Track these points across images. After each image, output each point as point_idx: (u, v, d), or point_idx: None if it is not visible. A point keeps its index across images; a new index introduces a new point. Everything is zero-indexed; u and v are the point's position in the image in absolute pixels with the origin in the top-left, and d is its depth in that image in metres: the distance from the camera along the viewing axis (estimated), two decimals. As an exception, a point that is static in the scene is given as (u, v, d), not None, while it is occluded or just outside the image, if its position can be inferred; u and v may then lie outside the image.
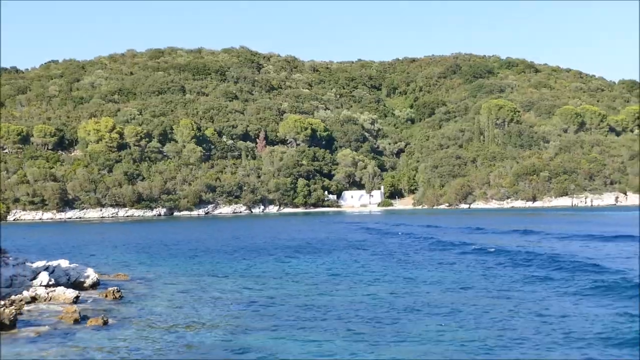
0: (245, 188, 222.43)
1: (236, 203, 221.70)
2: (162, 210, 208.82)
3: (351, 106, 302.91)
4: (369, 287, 43.56)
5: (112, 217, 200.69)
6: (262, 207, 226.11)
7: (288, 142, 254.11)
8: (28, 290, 39.70)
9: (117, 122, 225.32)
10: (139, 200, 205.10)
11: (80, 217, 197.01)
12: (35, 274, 42.78)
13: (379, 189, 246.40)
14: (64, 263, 46.84)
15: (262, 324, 32.59)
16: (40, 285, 41.00)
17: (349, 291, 42.17)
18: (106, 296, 40.56)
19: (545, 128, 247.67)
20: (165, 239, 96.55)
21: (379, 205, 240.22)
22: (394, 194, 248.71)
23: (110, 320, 33.57)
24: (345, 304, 37.53)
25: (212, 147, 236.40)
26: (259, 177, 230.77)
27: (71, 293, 39.05)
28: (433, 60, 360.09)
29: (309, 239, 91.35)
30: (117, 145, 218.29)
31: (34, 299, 38.41)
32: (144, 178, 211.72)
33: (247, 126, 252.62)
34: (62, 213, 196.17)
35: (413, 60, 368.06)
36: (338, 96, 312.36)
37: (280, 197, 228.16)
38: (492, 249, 62.94)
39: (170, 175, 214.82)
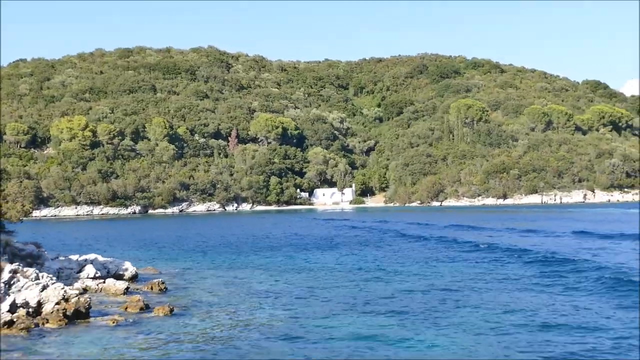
0: (218, 186, 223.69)
1: (210, 201, 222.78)
2: (137, 208, 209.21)
3: (319, 105, 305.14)
4: (395, 278, 45.65)
5: (87, 215, 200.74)
6: (235, 205, 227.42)
7: (259, 140, 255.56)
8: (76, 282, 41.19)
9: (89, 121, 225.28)
10: (114, 198, 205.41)
11: (55, 215, 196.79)
12: (81, 266, 44.29)
13: (351, 186, 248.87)
14: (100, 257, 48.35)
15: (310, 309, 34.66)
16: (88, 278, 42.49)
17: (378, 281, 44.23)
18: (152, 288, 42.17)
19: (514, 127, 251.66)
20: (157, 236, 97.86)
21: (350, 202, 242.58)
22: (365, 191, 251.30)
23: (182, 309, 35.42)
24: (380, 292, 39.62)
25: (185, 145, 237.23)
26: (232, 175, 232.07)
27: (121, 284, 40.64)
28: (399, 60, 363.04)
29: (306, 235, 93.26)
30: (90, 143, 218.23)
31: (85, 291, 39.91)
32: (118, 176, 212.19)
33: (219, 125, 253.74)
34: (37, 211, 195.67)
35: (380, 60, 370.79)
36: (306, 95, 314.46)
37: (253, 195, 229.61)
38: (503, 247, 64.91)
39: (144, 173, 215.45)
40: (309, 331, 29.79)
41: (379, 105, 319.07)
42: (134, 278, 46.18)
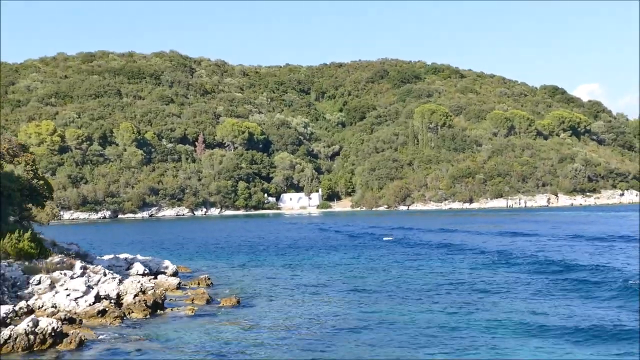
0: (187, 191, 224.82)
1: (179, 206, 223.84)
2: (107, 213, 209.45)
3: (282, 110, 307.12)
4: (416, 274, 48.33)
5: (57, 220, 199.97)
6: (204, 209, 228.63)
7: (226, 145, 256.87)
8: (127, 278, 43.10)
9: (57, 126, 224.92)
10: (84, 203, 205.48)
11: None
12: (129, 264, 46.25)
13: (317, 191, 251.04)
14: (139, 256, 50.26)
15: (358, 300, 37.06)
16: (137, 274, 44.44)
17: (402, 277, 46.87)
18: (199, 283, 44.29)
19: (477, 132, 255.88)
20: (148, 239, 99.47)
21: (318, 207, 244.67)
22: (332, 196, 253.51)
23: (247, 300, 37.64)
24: (411, 285, 42.25)
25: (153, 150, 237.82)
26: (200, 180, 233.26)
27: (174, 280, 42.76)
28: (360, 65, 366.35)
29: (300, 238, 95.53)
30: (58, 148, 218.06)
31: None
32: (87, 181, 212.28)
33: (185, 129, 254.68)
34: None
35: (340, 65, 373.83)
36: (269, 100, 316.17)
37: (221, 199, 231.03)
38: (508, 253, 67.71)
39: (113, 178, 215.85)
40: (369, 319, 32.17)
41: (340, 110, 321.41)
42: (174, 275, 48.13)
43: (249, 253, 70.71)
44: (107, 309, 32.51)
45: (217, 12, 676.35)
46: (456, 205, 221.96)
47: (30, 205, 47.55)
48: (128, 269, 46.11)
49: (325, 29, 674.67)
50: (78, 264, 38.84)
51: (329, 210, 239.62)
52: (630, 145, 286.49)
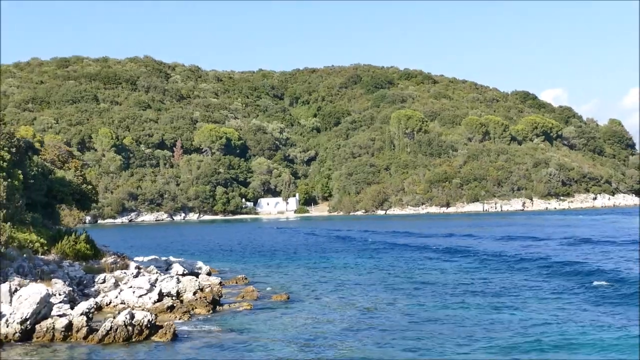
0: (166, 196, 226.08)
1: (158, 211, 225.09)
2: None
3: (257, 115, 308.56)
4: (430, 275, 50.76)
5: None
6: (183, 214, 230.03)
7: (203, 150, 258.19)
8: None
9: (35, 131, 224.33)
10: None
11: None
12: (168, 265, 48.18)
13: (294, 196, 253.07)
14: (172, 257, 52.16)
15: (394, 295, 39.29)
16: (177, 274, 46.38)
17: (416, 276, 49.31)
18: (237, 282, 46.34)
19: (452, 137, 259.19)
20: (146, 243, 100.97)
21: (295, 212, 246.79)
22: (309, 201, 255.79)
23: (295, 296, 39.78)
24: (425, 281, 44.71)
25: (131, 155, 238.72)
26: (178, 185, 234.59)
27: (215, 279, 44.74)
28: (333, 71, 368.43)
29: (301, 243, 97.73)
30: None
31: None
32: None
33: (163, 135, 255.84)
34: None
35: (313, 70, 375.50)
36: (244, 105, 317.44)
37: (200, 204, 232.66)
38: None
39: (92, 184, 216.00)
40: (415, 312, 34.48)
41: (315, 116, 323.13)
42: (208, 275, 50.07)
43: (261, 256, 72.72)
44: (174, 305, 34.51)
45: (188, 17, 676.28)
46: (433, 209, 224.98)
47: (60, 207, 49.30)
48: (167, 269, 48.02)
49: (296, 35, 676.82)
50: (132, 264, 40.79)
51: (306, 215, 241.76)
52: (600, 150, 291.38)
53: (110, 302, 34.93)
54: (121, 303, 34.50)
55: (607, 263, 52.50)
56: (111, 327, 27.63)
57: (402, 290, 42.53)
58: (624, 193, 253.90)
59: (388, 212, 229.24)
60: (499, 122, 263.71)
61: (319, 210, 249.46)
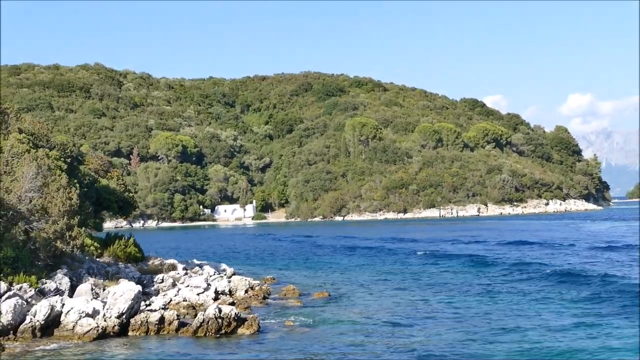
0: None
1: (117, 218, 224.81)
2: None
3: (210, 123, 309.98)
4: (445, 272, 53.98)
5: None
6: (142, 221, 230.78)
7: (160, 158, 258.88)
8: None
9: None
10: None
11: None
12: (201, 267, 50.60)
13: (251, 202, 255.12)
14: (195, 260, 54.51)
15: (423, 292, 42.28)
16: (209, 275, 48.87)
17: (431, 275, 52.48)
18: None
19: (406, 144, 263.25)
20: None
21: (252, 218, 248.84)
22: (266, 207, 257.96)
23: (332, 293, 42.59)
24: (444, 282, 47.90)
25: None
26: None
27: (250, 279, 47.24)
28: (283, 78, 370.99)
29: (291, 248, 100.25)
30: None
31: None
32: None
33: (119, 143, 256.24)
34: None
35: (264, 78, 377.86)
36: (197, 113, 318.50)
37: (158, 211, 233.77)
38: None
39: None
40: (443, 309, 37.54)
41: (267, 123, 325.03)
42: (231, 276, 52.51)
43: (259, 259, 75.16)
44: (235, 302, 37.08)
45: (137, 25, 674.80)
46: (391, 215, 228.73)
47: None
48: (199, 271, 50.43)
49: (246, 43, 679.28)
50: (180, 265, 43.22)
51: (264, 221, 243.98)
52: (548, 157, 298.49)
53: (171, 300, 37.32)
54: (183, 300, 36.90)
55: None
56: (203, 320, 30.15)
57: (421, 288, 45.57)
58: (574, 199, 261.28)
59: (346, 218, 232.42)
60: (451, 130, 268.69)
61: (276, 217, 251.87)
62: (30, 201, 34.99)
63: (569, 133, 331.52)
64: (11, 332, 29.62)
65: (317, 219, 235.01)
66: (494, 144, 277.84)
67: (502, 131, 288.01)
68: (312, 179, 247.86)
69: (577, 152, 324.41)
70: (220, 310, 30.66)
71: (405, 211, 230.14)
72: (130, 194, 51.37)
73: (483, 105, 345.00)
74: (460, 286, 45.93)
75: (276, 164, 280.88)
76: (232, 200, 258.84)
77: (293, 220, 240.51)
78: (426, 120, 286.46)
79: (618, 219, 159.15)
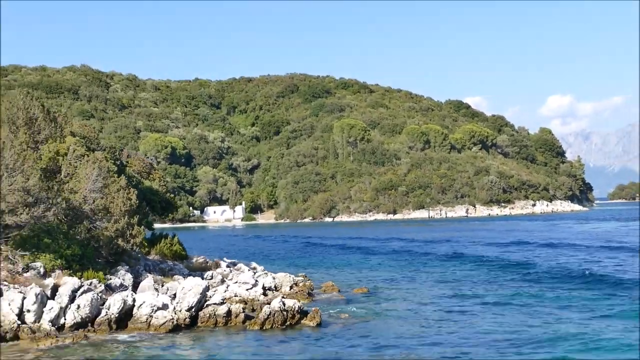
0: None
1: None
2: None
3: (197, 124, 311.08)
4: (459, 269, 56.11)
5: None
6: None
7: (149, 159, 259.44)
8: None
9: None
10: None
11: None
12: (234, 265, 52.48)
13: (241, 204, 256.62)
14: (226, 259, 56.36)
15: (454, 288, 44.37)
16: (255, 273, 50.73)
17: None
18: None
19: (394, 146, 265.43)
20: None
21: (242, 220, 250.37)
22: (255, 209, 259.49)
23: (371, 289, 44.59)
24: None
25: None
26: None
27: (292, 275, 49.13)
28: (269, 80, 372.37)
29: (295, 248, 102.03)
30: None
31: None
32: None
33: (109, 144, 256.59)
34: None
35: (250, 79, 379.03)
36: (184, 114, 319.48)
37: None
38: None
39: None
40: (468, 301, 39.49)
41: (253, 125, 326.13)
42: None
43: (279, 259, 76.95)
44: (284, 297, 39.00)
45: (124, 26, 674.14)
46: (380, 216, 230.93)
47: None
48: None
49: (229, 44, 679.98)
50: (223, 263, 45.11)
51: (253, 222, 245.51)
52: (532, 158, 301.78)
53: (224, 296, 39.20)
54: (235, 295, 38.78)
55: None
56: (270, 313, 32.06)
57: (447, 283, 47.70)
58: (560, 200, 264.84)
59: (336, 219, 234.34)
60: (439, 131, 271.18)
61: (266, 218, 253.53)
62: (94, 201, 36.79)
63: (552, 135, 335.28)
64: (89, 324, 31.46)
65: (306, 220, 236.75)
66: (480, 145, 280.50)
67: (487, 133, 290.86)
68: (302, 181, 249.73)
69: (561, 154, 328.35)
70: (284, 304, 32.56)
71: (394, 212, 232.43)
72: (171, 195, 53.01)
73: (468, 106, 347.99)
74: (495, 280, 48.01)
75: (264, 165, 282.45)
76: (221, 201, 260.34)
77: (282, 221, 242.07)
78: (412, 122, 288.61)
79: (623, 219, 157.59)
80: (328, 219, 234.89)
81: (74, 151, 37.97)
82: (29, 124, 40.28)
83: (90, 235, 36.68)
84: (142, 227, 40.00)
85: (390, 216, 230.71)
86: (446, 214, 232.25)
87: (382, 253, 78.78)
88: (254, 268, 54.68)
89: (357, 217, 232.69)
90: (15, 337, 29.54)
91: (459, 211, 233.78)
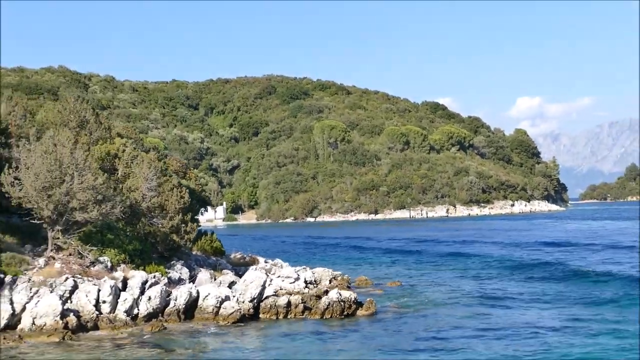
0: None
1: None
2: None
3: (176, 125, 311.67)
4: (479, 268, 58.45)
5: None
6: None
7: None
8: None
9: None
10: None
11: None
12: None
13: (222, 204, 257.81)
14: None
15: (481, 285, 46.61)
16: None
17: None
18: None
19: (374, 147, 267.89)
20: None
21: (224, 220, 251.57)
22: (236, 209, 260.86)
23: (403, 283, 46.76)
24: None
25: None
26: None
27: (330, 270, 51.16)
28: (247, 82, 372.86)
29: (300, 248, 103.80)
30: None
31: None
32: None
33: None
34: None
35: (227, 81, 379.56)
36: (162, 115, 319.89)
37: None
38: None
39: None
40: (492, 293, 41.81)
41: (231, 126, 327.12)
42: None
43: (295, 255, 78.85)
44: (328, 290, 41.06)
45: (98, 27, 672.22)
46: (362, 216, 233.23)
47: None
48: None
49: (207, 46, 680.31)
50: (261, 259, 47.10)
51: (235, 222, 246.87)
52: (508, 159, 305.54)
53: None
54: (280, 289, 40.76)
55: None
56: (329, 303, 34.15)
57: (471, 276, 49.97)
58: (538, 200, 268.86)
59: (317, 219, 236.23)
60: (418, 132, 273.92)
61: (247, 218, 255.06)
62: (150, 200, 38.68)
63: (528, 136, 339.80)
64: (159, 314, 33.40)
65: (288, 220, 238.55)
66: (458, 146, 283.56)
67: (465, 134, 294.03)
68: (283, 181, 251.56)
69: (536, 155, 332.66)
70: (341, 294, 34.65)
71: (376, 212, 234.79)
72: (206, 194, 54.93)
73: (444, 108, 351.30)
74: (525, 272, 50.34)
75: (245, 166, 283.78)
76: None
77: (264, 221, 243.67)
78: (391, 123, 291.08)
79: (615, 219, 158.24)
80: (310, 219, 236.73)
81: (130, 153, 39.79)
82: (80, 126, 41.92)
83: (148, 231, 38.50)
84: (195, 223, 41.97)
85: (372, 216, 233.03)
86: (427, 214, 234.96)
87: (391, 251, 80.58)
88: (280, 266, 56.83)
89: (339, 217, 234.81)
90: (95, 327, 31.37)
91: (440, 211, 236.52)
